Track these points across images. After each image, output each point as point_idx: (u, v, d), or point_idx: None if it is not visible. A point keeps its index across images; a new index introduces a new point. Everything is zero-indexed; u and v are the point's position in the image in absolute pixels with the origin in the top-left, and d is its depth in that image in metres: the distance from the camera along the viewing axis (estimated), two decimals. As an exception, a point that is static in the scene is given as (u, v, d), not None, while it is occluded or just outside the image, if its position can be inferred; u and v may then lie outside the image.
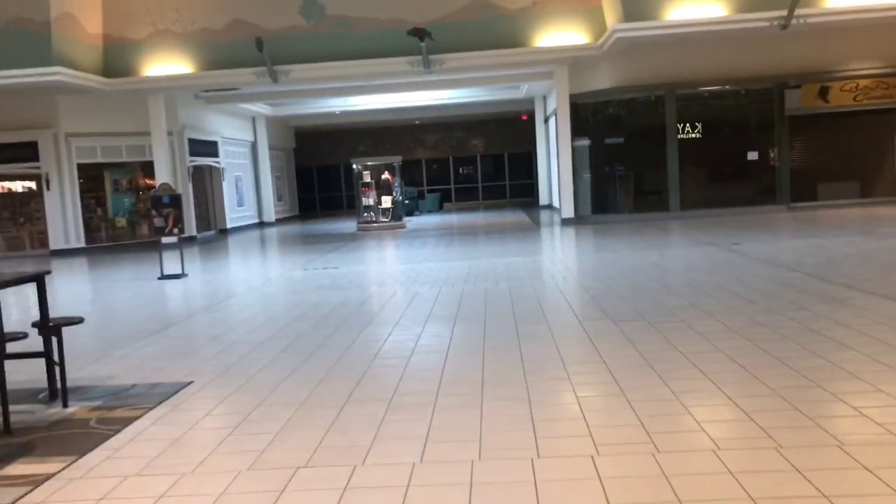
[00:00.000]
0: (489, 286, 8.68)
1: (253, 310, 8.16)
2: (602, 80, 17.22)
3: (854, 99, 16.67)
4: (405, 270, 10.95)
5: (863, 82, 16.59)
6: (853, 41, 16.18)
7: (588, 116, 17.96)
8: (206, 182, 21.57)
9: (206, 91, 19.47)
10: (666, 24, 15.16)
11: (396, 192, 20.96)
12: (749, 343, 5.24)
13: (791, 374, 4.40)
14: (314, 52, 17.02)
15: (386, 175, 20.41)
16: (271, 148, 26.47)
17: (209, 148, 21.13)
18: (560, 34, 16.73)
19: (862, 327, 5.48)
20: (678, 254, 11.08)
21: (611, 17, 15.81)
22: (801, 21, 14.62)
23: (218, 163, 21.70)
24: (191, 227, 18.90)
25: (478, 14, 16.84)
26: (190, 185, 19.44)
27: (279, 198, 27.54)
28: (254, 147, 25.40)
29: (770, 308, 6.40)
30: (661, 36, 15.46)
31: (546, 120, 24.06)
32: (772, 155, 17.37)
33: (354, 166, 20.77)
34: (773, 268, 8.70)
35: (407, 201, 25.00)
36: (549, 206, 24.34)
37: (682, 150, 17.17)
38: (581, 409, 4.00)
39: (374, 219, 20.04)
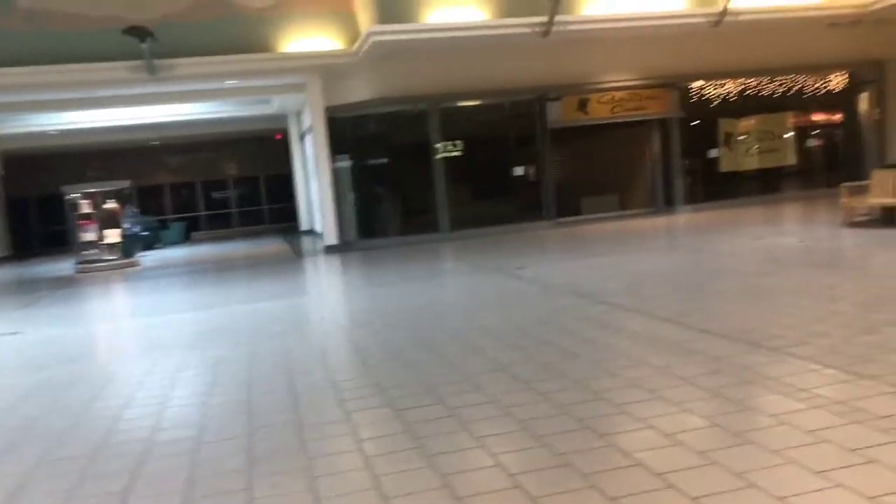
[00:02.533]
0: (223, 353, 6.39)
1: None
2: (360, 92, 15.50)
3: (611, 111, 16.56)
4: (108, 333, 8.26)
5: (618, 94, 16.54)
6: (609, 52, 16.04)
7: (348, 132, 16.15)
8: None
9: None
10: (424, 27, 13.84)
11: (128, 223, 17.54)
12: (611, 449, 3.58)
13: (682, 506, 2.76)
14: (5, 55, 13.47)
15: (111, 203, 16.97)
16: (-36, 176, 21.49)
17: None
18: (310, 39, 14.77)
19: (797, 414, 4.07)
20: (461, 285, 9.55)
21: (365, 20, 14.18)
22: (561, 29, 14.03)
23: None
24: None
25: (211, 12, 14.34)
26: None
27: (-20, 236, 22.51)
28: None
29: (605, 367, 4.88)
30: (421, 41, 14.12)
31: (301, 137, 21.94)
32: (530, 171, 16.73)
33: (67, 195, 17.09)
34: (575, 298, 7.37)
35: (145, 233, 21.52)
36: (311, 232, 22.20)
37: (448, 167, 15.96)
38: None
39: (97, 257, 16.52)
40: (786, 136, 17.93)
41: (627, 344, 5.34)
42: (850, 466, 3.00)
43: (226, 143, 27.55)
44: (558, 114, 16.34)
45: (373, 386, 4.88)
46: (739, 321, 5.65)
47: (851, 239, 9.84)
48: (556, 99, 16.29)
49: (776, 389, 4.00)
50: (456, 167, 16.08)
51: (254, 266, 14.60)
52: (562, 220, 16.63)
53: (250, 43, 14.51)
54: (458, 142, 16.04)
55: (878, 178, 10.64)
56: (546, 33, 14.05)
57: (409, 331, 6.56)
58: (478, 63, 15.25)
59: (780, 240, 10.56)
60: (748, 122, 17.67)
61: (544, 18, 13.79)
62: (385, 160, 16.59)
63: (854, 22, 16.75)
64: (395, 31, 13.57)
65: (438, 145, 15.78)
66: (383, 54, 14.49)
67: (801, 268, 7.93)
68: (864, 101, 18.27)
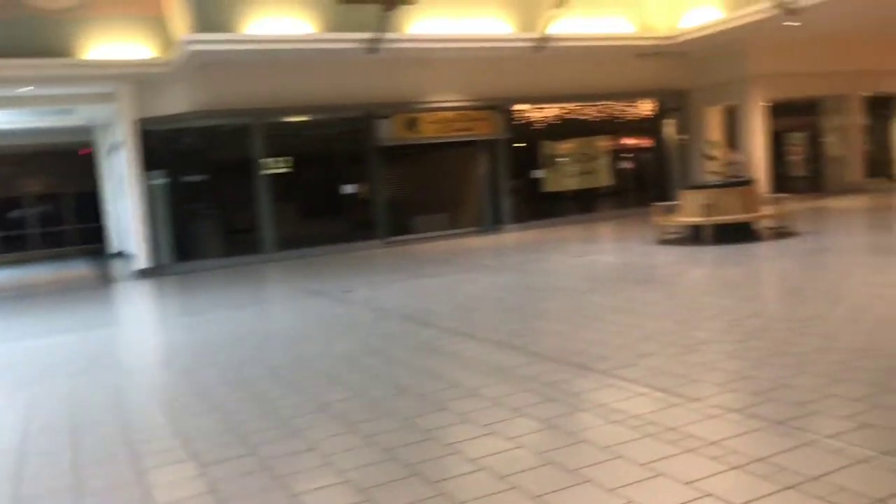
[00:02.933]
0: (-4, 402, 5.44)
1: None
2: (177, 104, 14.42)
3: (441, 131, 16.61)
4: None
5: (447, 114, 16.63)
6: (439, 73, 16.10)
7: (163, 147, 14.97)
8: None
9: None
10: (245, 38, 13.14)
11: None
12: (442, 499, 3.23)
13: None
14: None
15: None
16: None
17: None
18: (119, 45, 13.56)
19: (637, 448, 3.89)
20: (284, 311, 8.96)
21: (179, 27, 13.22)
22: (388, 46, 13.85)
23: None
24: None
25: (2, 13, 12.78)
26: None
27: None
28: None
29: (436, 401, 4.56)
30: (243, 52, 13.39)
31: (111, 152, 20.20)
32: (360, 189, 16.41)
33: None
34: (404, 323, 7.07)
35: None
36: (122, 254, 20.43)
37: (273, 184, 15.24)
38: None
39: None
40: (601, 158, 18.89)
41: (459, 373, 5.08)
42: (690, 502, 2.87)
43: (25, 157, 24.85)
44: (388, 132, 16.14)
45: (176, 436, 4.25)
46: (569, 342, 5.59)
47: (665, 256, 10.34)
48: (386, 117, 16.09)
49: (609, 417, 3.88)
50: (282, 184, 15.40)
51: (52, 293, 13.08)
52: (393, 239, 16.40)
53: (49, 46, 13.08)
54: (284, 158, 15.38)
55: (685, 198, 11.32)
56: (373, 50, 13.81)
57: (222, 367, 5.93)
58: (305, 77, 14.73)
59: (601, 258, 10.93)
60: (568, 145, 18.43)
61: (370, 35, 13.55)
62: (205, 177, 15.54)
63: (658, 54, 18.02)
64: (213, 41, 12.75)
65: (263, 161, 15.03)
66: (202, 65, 13.59)
67: (623, 285, 8.15)
68: (670, 127, 19.69)
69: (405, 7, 13.93)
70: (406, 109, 16.21)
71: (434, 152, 17.37)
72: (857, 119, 19.30)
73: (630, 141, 20.00)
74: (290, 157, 15.45)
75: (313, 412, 4.46)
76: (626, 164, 19.48)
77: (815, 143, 20.37)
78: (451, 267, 11.42)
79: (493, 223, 17.63)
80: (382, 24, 13.39)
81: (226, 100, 14.34)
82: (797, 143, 20.46)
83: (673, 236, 11.94)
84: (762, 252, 9.96)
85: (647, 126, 19.74)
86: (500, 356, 5.39)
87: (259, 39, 13.24)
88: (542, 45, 15.14)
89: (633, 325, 6.02)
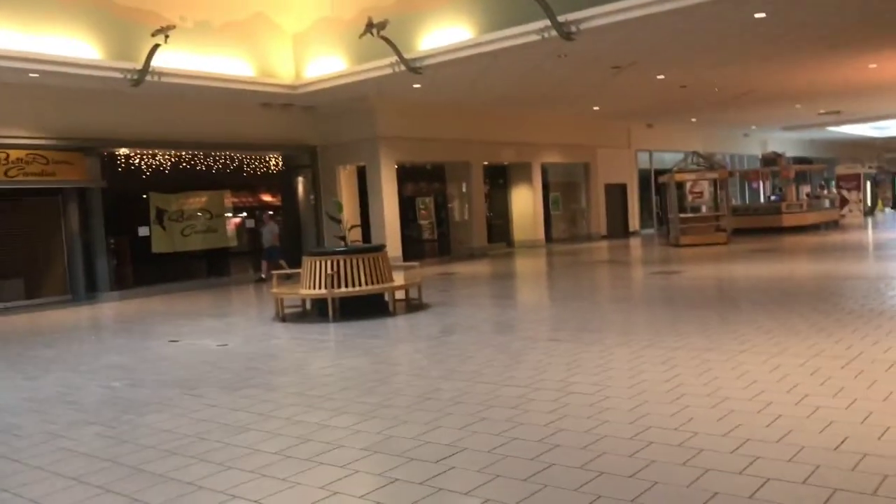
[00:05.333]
0: None
1: None
2: None
3: (5, 174, 12.90)
4: None
5: (15, 154, 13.00)
6: (4, 100, 12.53)
7: None
8: None
9: None
10: None
11: None
12: None
13: None
14: None
15: None
16: None
17: None
18: None
19: None
20: None
21: None
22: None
23: None
24: None
25: None
26: None
27: None
28: None
29: None
30: None
31: None
32: None
33: None
34: None
35: None
36: None
37: None
38: None
39: None
40: (223, 216, 16.68)
41: None
42: None
43: None
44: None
45: None
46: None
47: (277, 339, 8.46)
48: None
49: None
50: None
51: None
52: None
53: None
54: None
55: (307, 265, 9.65)
56: None
57: None
58: None
59: (201, 341, 8.64)
60: (184, 199, 15.88)
61: None
62: None
63: (285, 105, 16.57)
64: None
65: None
66: None
67: (207, 390, 5.98)
68: (301, 185, 18.29)
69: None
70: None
71: (2, 201, 13.53)
72: (479, 186, 19.98)
73: (259, 198, 18.16)
74: None
75: None
76: (252, 224, 17.52)
77: (441, 208, 20.69)
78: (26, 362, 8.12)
79: (86, 290, 14.24)
80: None
81: None
82: (425, 207, 20.58)
83: (296, 310, 10.17)
84: (391, 332, 8.63)
85: (277, 182, 18.11)
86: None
87: None
88: (142, 79, 12.54)
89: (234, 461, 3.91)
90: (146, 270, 15.40)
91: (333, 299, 9.31)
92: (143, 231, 15.27)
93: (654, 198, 27.64)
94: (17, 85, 12.44)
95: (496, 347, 6.97)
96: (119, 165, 14.82)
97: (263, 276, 16.02)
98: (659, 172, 25.18)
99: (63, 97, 13.15)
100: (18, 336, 10.15)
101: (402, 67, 13.25)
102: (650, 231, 26.94)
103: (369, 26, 12.76)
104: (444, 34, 12.96)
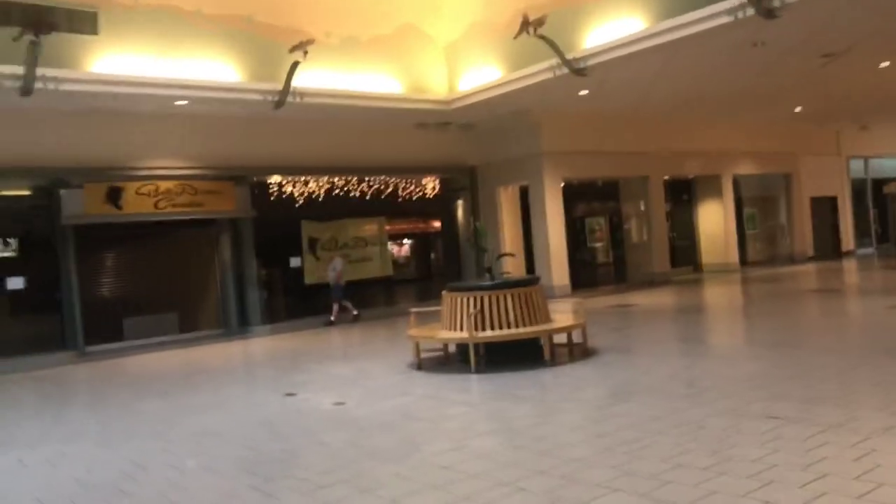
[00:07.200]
0: None
1: None
2: None
3: (156, 206, 12.58)
4: None
5: (167, 185, 12.68)
6: (152, 130, 12.23)
7: None
8: None
9: None
10: None
11: None
12: None
13: None
14: None
15: None
16: None
17: None
18: None
19: None
20: None
21: None
22: (52, 88, 9.85)
23: None
24: None
25: None
26: None
27: None
28: None
29: None
30: None
31: None
32: (40, 283, 12.03)
33: None
34: None
35: None
36: None
37: None
38: None
39: None
40: (378, 244, 15.65)
41: None
42: None
43: None
44: (79, 206, 11.89)
45: None
46: None
47: (409, 397, 6.92)
48: (77, 187, 11.86)
49: None
50: None
51: None
52: (94, 349, 12.00)
53: None
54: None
55: (447, 302, 8.09)
56: (27, 92, 9.71)
57: None
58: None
59: (317, 396, 7.30)
60: (338, 227, 15.03)
61: (20, 70, 9.50)
62: None
63: (442, 124, 15.29)
64: None
65: None
66: None
67: (288, 482, 4.51)
68: (460, 208, 16.95)
69: (82, 36, 10.14)
70: (104, 177, 12.09)
71: (151, 233, 13.31)
72: (659, 203, 17.63)
73: (415, 224, 17.04)
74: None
75: None
76: (411, 252, 16.38)
77: (616, 229, 18.53)
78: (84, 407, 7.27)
79: (238, 324, 13.68)
80: (33, 60, 9.40)
81: None
82: (600, 227, 18.52)
83: (435, 354, 8.64)
84: (542, 392, 6.82)
85: (434, 207, 16.84)
86: None
87: None
88: (283, 99, 11.72)
89: None
90: (298, 303, 14.64)
91: (476, 345, 7.66)
92: (294, 262, 14.56)
93: (871, 211, 23.60)
94: (164, 115, 12.08)
95: (687, 429, 4.90)
96: (269, 194, 14.20)
97: (333, 318, 13.91)
98: (879, 182, 21.35)
99: (209, 125, 12.67)
100: (143, 377, 9.44)
101: (565, 70, 11.48)
102: (868, 251, 22.91)
103: (525, 25, 11.17)
104: (611, 27, 11.04)
